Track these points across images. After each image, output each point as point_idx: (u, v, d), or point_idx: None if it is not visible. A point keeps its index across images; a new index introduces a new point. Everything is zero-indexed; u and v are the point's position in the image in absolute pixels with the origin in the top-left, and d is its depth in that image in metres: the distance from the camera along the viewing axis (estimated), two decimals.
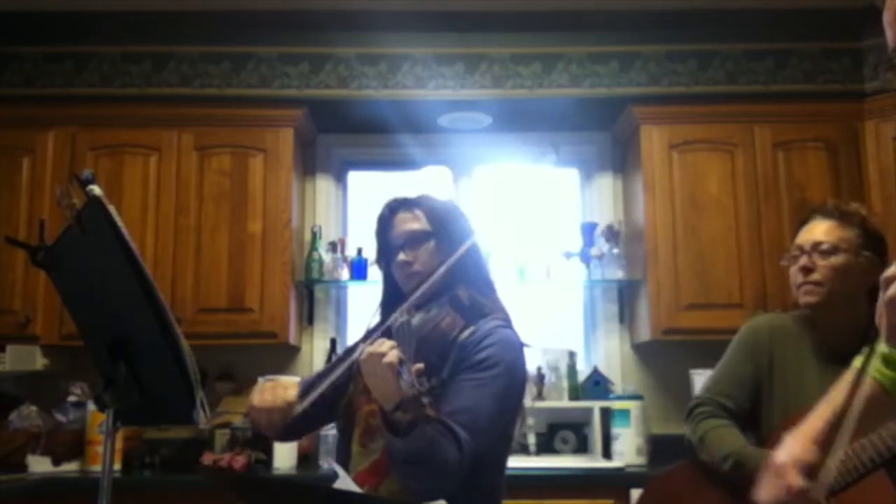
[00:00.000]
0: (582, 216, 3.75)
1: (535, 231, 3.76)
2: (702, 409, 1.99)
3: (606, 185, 3.72)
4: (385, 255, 1.75)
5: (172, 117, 3.33)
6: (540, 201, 3.84)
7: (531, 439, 3.37)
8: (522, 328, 1.73)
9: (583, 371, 3.50)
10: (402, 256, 1.69)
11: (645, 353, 3.55)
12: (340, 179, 3.81)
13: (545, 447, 3.40)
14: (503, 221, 3.79)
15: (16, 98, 3.34)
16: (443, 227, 1.70)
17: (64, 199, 1.22)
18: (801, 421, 1.77)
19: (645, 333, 3.31)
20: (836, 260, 1.87)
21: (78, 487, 2.81)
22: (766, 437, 1.92)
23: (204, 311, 3.20)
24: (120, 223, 1.20)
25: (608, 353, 3.60)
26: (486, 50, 3.38)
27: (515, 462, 3.22)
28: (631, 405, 3.18)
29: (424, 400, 1.32)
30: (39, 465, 2.92)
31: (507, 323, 1.69)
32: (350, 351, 1.60)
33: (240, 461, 2.94)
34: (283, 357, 3.50)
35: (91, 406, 2.95)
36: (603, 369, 3.50)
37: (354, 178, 3.85)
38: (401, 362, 1.35)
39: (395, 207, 1.75)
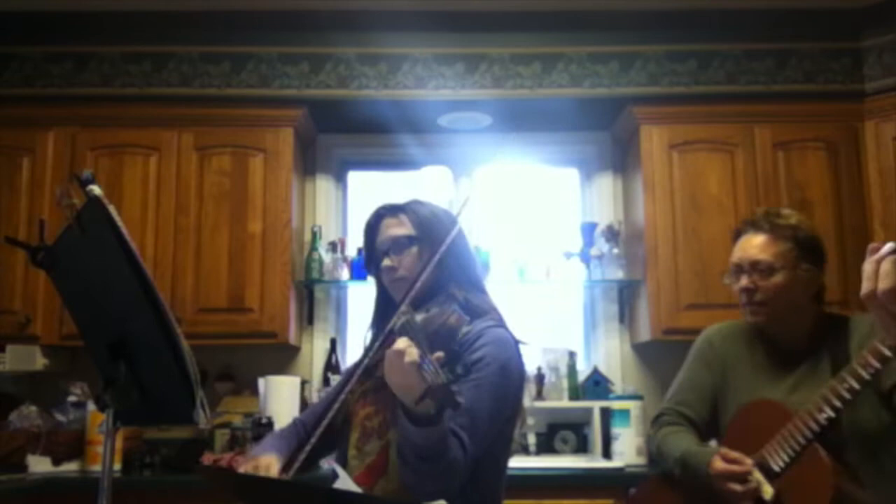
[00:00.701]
0: (582, 216, 3.75)
1: (535, 231, 3.76)
2: (661, 419, 2.05)
3: (606, 185, 3.72)
4: (373, 261, 1.75)
5: (172, 117, 3.33)
6: (540, 201, 3.84)
7: (531, 439, 3.37)
8: (517, 326, 1.73)
9: (583, 371, 3.50)
10: (386, 261, 1.69)
11: (645, 353, 3.55)
12: (340, 179, 3.81)
13: (545, 447, 3.40)
14: (503, 221, 3.80)
15: (16, 98, 3.34)
16: (427, 232, 1.69)
17: (64, 199, 1.22)
18: (750, 412, 1.85)
19: (645, 333, 3.31)
20: (776, 279, 1.88)
21: (78, 487, 2.81)
22: (723, 438, 1.97)
23: (204, 311, 3.20)
24: (120, 223, 1.20)
25: (608, 353, 3.60)
26: (486, 50, 3.38)
27: (515, 462, 3.21)
28: (631, 405, 3.18)
29: (454, 387, 1.31)
30: (39, 465, 2.92)
31: (501, 322, 1.69)
32: (350, 376, 1.58)
33: (240, 461, 2.94)
34: (283, 357, 3.50)
35: (91, 406, 2.95)
36: (603, 369, 3.50)
37: (354, 178, 3.85)
38: (421, 356, 1.34)
39: (381, 214, 1.76)
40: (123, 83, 3.36)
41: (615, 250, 3.48)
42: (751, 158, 3.29)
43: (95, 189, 1.20)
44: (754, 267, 1.90)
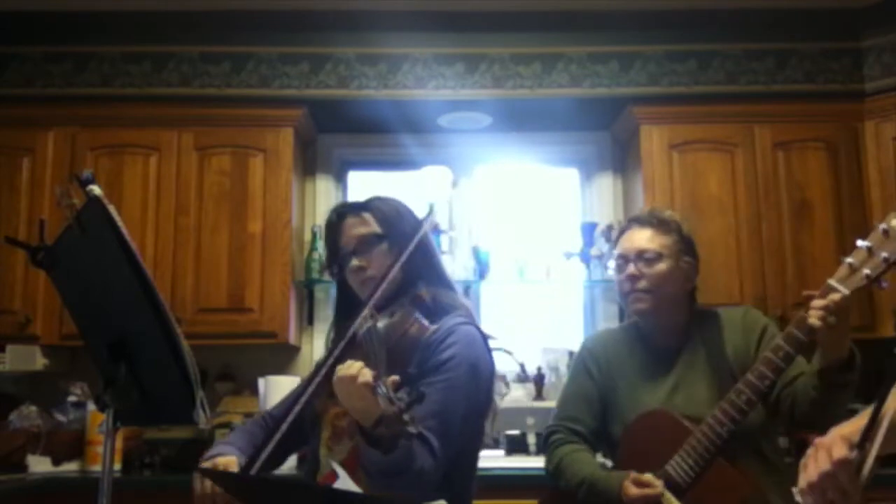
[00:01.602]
0: (582, 216, 3.75)
1: (535, 231, 3.76)
2: (555, 438, 2.04)
3: (606, 185, 3.72)
4: (337, 262, 1.72)
5: (172, 117, 3.33)
6: (540, 201, 3.84)
7: (531, 439, 3.37)
8: (485, 323, 1.73)
9: None
10: (355, 262, 1.66)
11: None
12: (340, 179, 3.81)
13: (545, 447, 3.39)
14: (503, 221, 3.80)
15: (16, 98, 3.34)
16: (393, 228, 1.68)
17: (64, 199, 1.22)
18: (643, 425, 1.87)
19: None
20: (661, 267, 1.94)
21: (78, 487, 2.80)
22: (615, 448, 1.98)
23: (204, 311, 3.20)
24: (120, 223, 1.19)
25: None
26: (486, 50, 3.38)
27: (515, 462, 3.23)
28: None
29: (405, 416, 1.28)
30: (39, 465, 2.92)
31: (470, 319, 1.67)
32: (314, 374, 1.57)
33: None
34: (283, 357, 3.50)
35: (91, 406, 2.95)
36: None
37: (354, 178, 3.85)
38: (375, 378, 1.31)
39: (342, 213, 1.73)
40: (123, 83, 3.36)
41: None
42: (751, 158, 3.29)
43: (95, 189, 1.20)
44: (640, 255, 1.95)
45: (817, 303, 1.62)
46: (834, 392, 1.71)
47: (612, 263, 2.04)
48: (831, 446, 1.31)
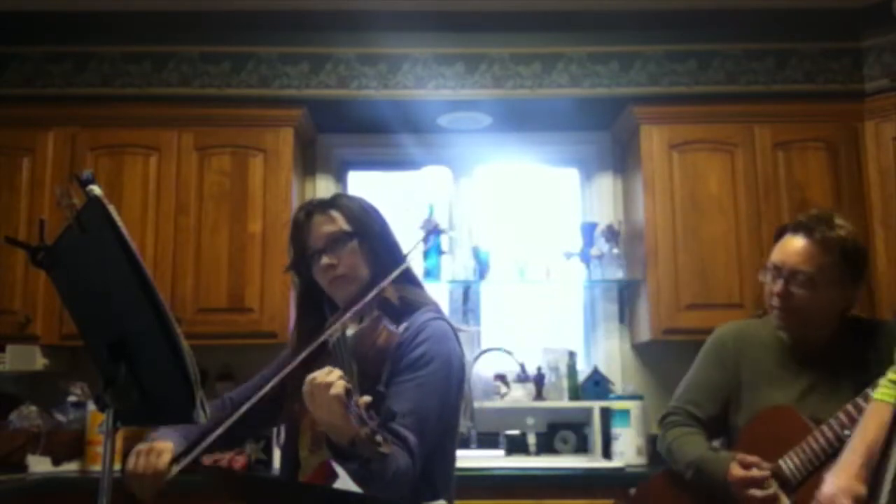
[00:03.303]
0: (582, 216, 3.75)
1: (535, 231, 3.76)
2: (671, 419, 2.03)
3: (606, 185, 3.72)
4: (304, 260, 1.72)
5: (172, 117, 3.33)
6: (540, 201, 3.84)
7: (531, 439, 3.37)
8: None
9: (583, 371, 3.50)
10: (325, 260, 1.66)
11: (645, 353, 3.55)
12: (340, 179, 3.81)
13: (545, 447, 3.40)
14: (503, 221, 3.80)
15: (16, 98, 3.34)
16: (361, 225, 1.68)
17: (64, 199, 1.22)
18: (766, 419, 1.81)
19: (645, 333, 3.31)
20: (815, 293, 1.82)
21: (78, 487, 2.81)
22: (735, 439, 1.96)
23: (204, 311, 3.20)
24: (120, 223, 1.19)
25: (608, 353, 3.59)
26: (486, 50, 3.38)
27: (515, 462, 3.24)
28: (631, 405, 3.18)
29: (378, 438, 1.26)
30: (39, 465, 2.92)
31: (439, 313, 1.68)
32: (280, 367, 1.57)
33: (240, 461, 2.94)
34: None
35: (91, 406, 2.95)
36: (603, 369, 3.50)
37: (354, 178, 3.85)
38: (348, 393, 1.29)
39: (310, 211, 1.72)
40: (123, 83, 3.36)
41: (615, 250, 3.48)
42: (751, 158, 3.29)
43: (95, 189, 1.20)
44: (794, 275, 1.83)
45: None
46: None
47: (766, 269, 1.90)
48: (835, 501, 1.31)
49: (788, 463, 1.76)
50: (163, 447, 1.58)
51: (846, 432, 1.67)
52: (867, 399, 1.66)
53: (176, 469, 1.56)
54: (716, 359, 2.02)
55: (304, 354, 1.49)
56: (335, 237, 1.67)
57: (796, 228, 1.88)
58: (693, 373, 2.08)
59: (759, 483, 1.72)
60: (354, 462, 1.36)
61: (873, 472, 1.48)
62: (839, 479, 1.49)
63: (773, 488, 1.72)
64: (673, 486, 1.97)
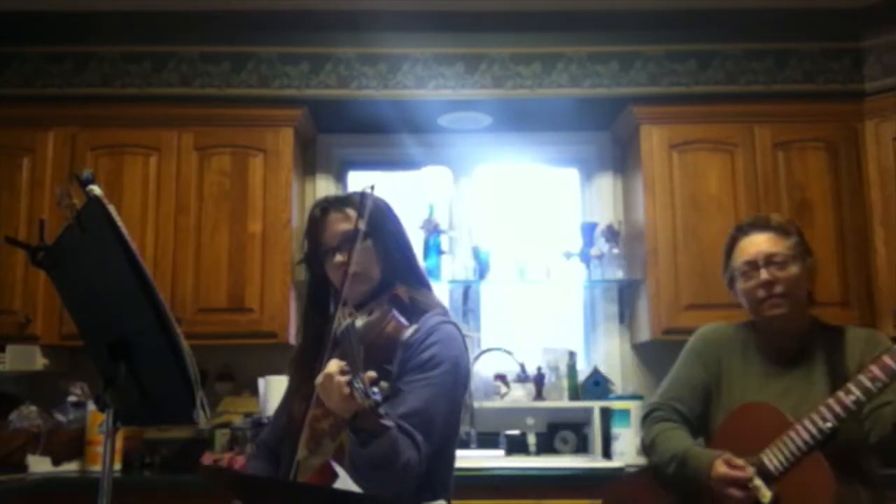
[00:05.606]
0: (582, 216, 3.75)
1: (535, 231, 3.76)
2: (656, 414, 2.06)
3: (606, 185, 3.72)
4: (318, 256, 1.73)
5: (172, 117, 3.33)
6: (540, 201, 3.84)
7: (531, 439, 3.37)
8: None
9: (583, 371, 3.50)
10: (339, 258, 1.67)
11: (645, 353, 3.55)
12: (340, 179, 3.81)
13: (545, 447, 3.40)
14: (503, 221, 3.80)
15: (16, 98, 3.34)
16: (376, 225, 1.68)
17: (64, 199, 1.22)
18: (746, 413, 1.89)
19: (645, 333, 3.31)
20: (793, 270, 1.93)
21: (78, 487, 2.81)
22: (714, 434, 1.98)
23: (204, 311, 3.20)
24: (120, 223, 1.19)
25: (608, 353, 3.59)
26: (486, 50, 3.38)
27: (515, 462, 3.24)
28: (631, 405, 3.18)
29: (380, 410, 1.32)
30: (39, 465, 2.92)
31: (447, 317, 1.69)
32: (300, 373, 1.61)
33: (240, 461, 2.94)
34: (283, 357, 3.46)
35: (91, 406, 2.95)
36: (603, 369, 3.50)
37: (354, 178, 3.85)
38: (353, 373, 1.34)
39: (326, 208, 1.73)
40: (123, 83, 3.36)
41: (615, 250, 3.48)
42: (751, 158, 3.29)
43: (95, 189, 1.20)
44: (770, 260, 1.93)
45: None
46: None
47: (737, 274, 1.99)
48: None
49: (770, 456, 1.79)
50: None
51: (828, 425, 1.72)
52: (847, 393, 1.72)
53: None
54: (698, 358, 2.06)
55: (325, 356, 1.51)
56: (349, 235, 1.67)
57: (748, 229, 2.00)
58: (675, 371, 2.12)
59: (742, 483, 1.76)
60: (369, 443, 1.39)
61: None
62: None
63: (754, 487, 1.75)
64: (654, 481, 1.99)
